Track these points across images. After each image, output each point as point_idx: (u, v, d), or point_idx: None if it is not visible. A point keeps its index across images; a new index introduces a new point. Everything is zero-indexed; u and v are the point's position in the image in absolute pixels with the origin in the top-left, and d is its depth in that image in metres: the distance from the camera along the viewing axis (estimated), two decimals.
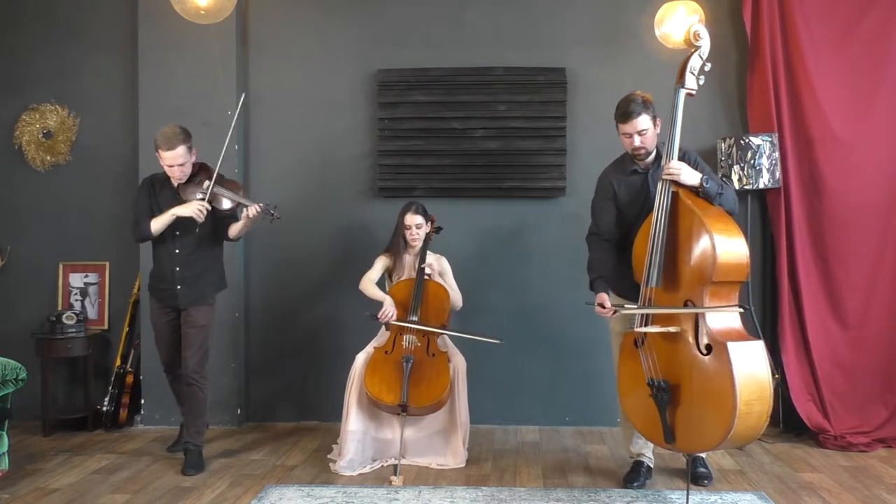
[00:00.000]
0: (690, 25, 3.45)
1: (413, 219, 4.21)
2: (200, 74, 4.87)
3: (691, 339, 3.20)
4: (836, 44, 4.60)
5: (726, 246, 3.19)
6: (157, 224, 3.96)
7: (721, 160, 4.61)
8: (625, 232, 3.68)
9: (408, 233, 4.22)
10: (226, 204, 3.97)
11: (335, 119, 5.00)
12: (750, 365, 3.06)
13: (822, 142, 4.56)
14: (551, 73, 4.83)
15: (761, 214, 4.78)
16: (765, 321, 4.77)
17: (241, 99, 4.32)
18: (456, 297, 4.27)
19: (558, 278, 4.84)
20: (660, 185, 3.41)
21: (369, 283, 4.22)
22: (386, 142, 4.91)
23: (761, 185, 4.50)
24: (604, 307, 3.58)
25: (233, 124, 4.18)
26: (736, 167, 4.50)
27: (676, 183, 3.37)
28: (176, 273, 4.04)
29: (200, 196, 3.95)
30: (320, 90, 5.00)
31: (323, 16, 5.01)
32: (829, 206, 4.57)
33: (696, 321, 3.21)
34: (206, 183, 3.95)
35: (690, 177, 3.37)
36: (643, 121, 3.50)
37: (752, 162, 4.48)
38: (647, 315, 3.39)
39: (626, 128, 3.53)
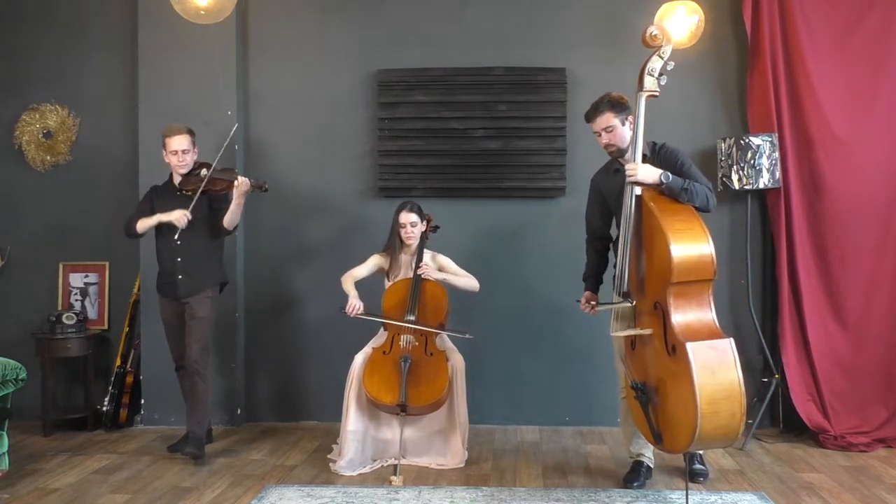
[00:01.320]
0: (647, 27, 3.43)
1: (407, 217, 4.21)
2: (200, 74, 4.87)
3: (661, 341, 3.19)
4: (836, 44, 4.60)
5: (682, 245, 3.13)
6: (143, 224, 4.20)
7: (721, 160, 4.61)
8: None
9: (402, 231, 4.22)
10: (219, 185, 4.16)
11: (335, 119, 5.00)
12: (712, 363, 3.01)
13: (822, 142, 4.56)
14: (551, 73, 4.83)
15: (761, 214, 4.78)
16: (765, 321, 4.77)
17: (233, 129, 4.38)
18: (469, 282, 4.26)
19: (558, 278, 4.83)
20: (626, 187, 3.40)
21: (347, 278, 4.25)
22: (386, 142, 4.91)
23: (761, 185, 4.50)
24: (582, 303, 3.81)
25: (224, 144, 4.27)
26: (736, 167, 4.50)
27: (641, 184, 3.36)
28: (177, 263, 4.21)
29: (200, 181, 4.12)
30: (320, 90, 5.00)
31: (323, 16, 5.01)
32: (829, 206, 4.57)
33: (664, 322, 3.19)
34: (204, 171, 4.15)
35: (648, 175, 3.34)
36: (607, 118, 3.56)
37: (752, 162, 4.48)
38: (631, 318, 3.41)
39: (592, 126, 3.65)
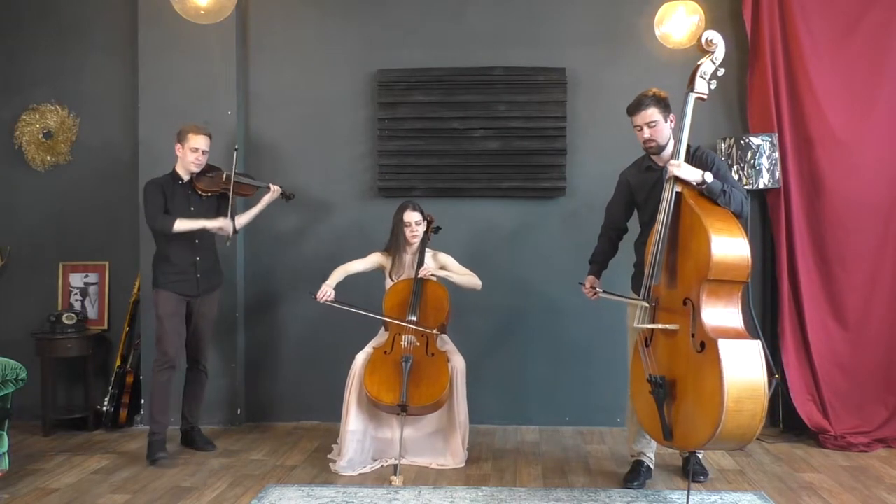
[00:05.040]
0: (703, 32, 3.48)
1: (412, 216, 4.21)
2: (200, 74, 4.87)
3: (689, 337, 3.22)
4: (836, 44, 4.60)
5: (723, 244, 3.19)
6: (184, 225, 4.16)
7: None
8: (639, 230, 3.77)
9: (407, 230, 4.22)
10: (248, 190, 4.45)
11: (335, 119, 5.00)
12: (741, 363, 3.05)
13: (822, 142, 4.56)
14: (551, 73, 4.83)
15: (761, 214, 4.78)
16: (765, 321, 4.76)
17: (235, 155, 4.40)
18: (471, 280, 4.26)
19: (558, 278, 4.83)
20: (665, 184, 3.43)
21: (340, 269, 4.26)
22: (386, 142, 4.91)
23: (761, 185, 4.50)
24: (585, 287, 3.85)
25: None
26: (736, 167, 4.50)
27: (681, 181, 3.39)
28: (197, 262, 4.30)
29: (223, 185, 4.32)
30: (320, 90, 5.00)
31: (323, 16, 5.01)
32: (829, 206, 4.57)
33: (694, 319, 3.22)
34: (226, 173, 4.32)
35: (690, 173, 3.38)
36: (651, 113, 3.57)
37: (752, 162, 4.48)
38: (650, 314, 3.43)
39: (636, 119, 3.62)
